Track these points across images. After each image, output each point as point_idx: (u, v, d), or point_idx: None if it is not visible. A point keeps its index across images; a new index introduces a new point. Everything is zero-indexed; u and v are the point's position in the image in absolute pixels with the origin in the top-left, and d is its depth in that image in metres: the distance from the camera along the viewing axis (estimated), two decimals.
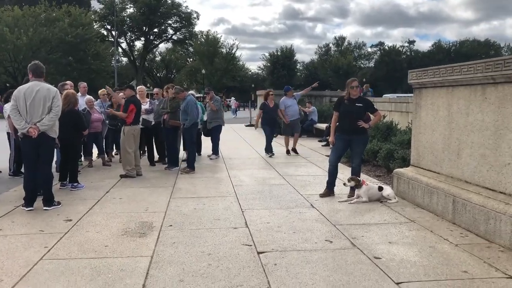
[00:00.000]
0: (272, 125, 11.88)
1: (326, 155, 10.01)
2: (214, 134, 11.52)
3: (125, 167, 8.64)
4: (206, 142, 11.97)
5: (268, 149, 11.66)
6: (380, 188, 6.71)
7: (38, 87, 6.03)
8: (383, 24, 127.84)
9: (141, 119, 9.42)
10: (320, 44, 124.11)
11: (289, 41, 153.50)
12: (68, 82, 9.55)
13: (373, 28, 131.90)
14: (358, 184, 6.58)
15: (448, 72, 5.74)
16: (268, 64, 70.13)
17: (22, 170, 7.71)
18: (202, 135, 11.84)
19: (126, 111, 8.54)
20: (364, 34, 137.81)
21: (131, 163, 8.64)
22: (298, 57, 71.79)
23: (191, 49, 71.02)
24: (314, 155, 11.77)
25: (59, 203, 6.36)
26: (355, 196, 6.63)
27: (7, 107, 7.86)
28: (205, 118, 11.37)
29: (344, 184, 6.76)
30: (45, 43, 42.87)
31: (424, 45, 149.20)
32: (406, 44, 75.84)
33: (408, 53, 73.93)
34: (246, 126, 23.88)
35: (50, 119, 6.03)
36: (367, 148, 8.55)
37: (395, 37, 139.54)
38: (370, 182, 7.00)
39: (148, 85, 60.66)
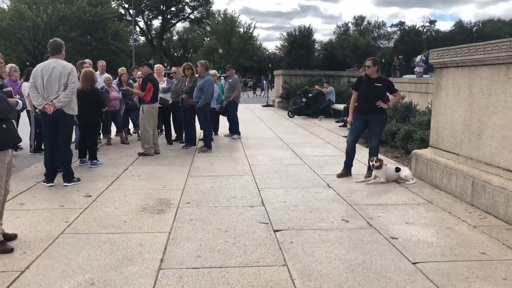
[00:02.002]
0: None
1: (343, 136, 9.94)
2: (231, 112, 11.44)
3: (144, 145, 8.73)
4: (223, 121, 11.97)
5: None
6: (398, 169, 6.66)
7: (54, 64, 6.08)
8: (397, 4, 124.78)
9: (158, 98, 9.45)
10: (336, 23, 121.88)
11: (303, 20, 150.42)
12: (86, 60, 9.66)
13: (388, 8, 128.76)
14: (381, 165, 6.52)
15: (471, 52, 5.61)
16: (286, 44, 69.32)
17: (43, 147, 7.86)
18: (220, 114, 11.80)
19: (144, 89, 8.56)
20: (378, 14, 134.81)
21: (149, 141, 8.71)
22: (313, 37, 70.03)
23: (208, 28, 70.58)
24: (331, 136, 11.71)
25: (78, 180, 6.47)
26: (372, 177, 6.59)
27: (26, 85, 7.97)
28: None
29: (370, 161, 6.67)
30: (64, 21, 43.03)
31: (440, 26, 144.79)
32: (427, 24, 74.03)
33: (429, 34, 72.15)
34: (263, 106, 23.82)
35: (66, 96, 6.08)
36: (385, 129, 8.45)
37: (410, 18, 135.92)
38: (387, 163, 6.94)
39: (166, 64, 60.60)
